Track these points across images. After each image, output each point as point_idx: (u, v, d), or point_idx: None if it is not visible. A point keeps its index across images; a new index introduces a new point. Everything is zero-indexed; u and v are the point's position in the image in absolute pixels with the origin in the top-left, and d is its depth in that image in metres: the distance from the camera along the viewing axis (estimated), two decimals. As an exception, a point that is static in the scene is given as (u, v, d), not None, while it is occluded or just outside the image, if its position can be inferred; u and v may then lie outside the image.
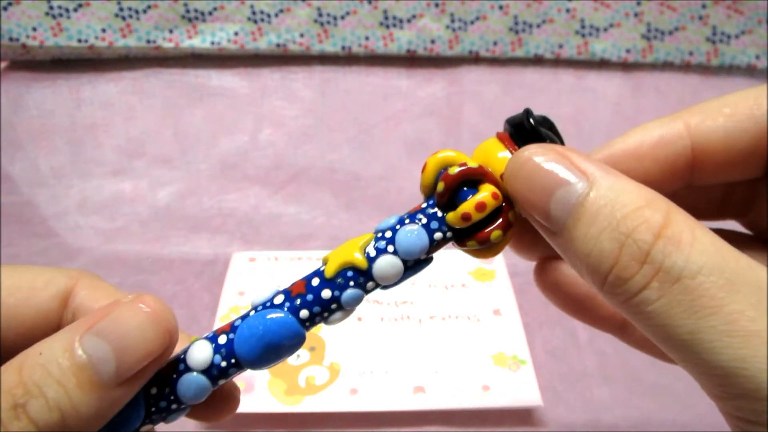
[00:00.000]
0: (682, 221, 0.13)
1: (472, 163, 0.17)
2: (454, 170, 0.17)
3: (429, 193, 0.18)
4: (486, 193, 0.17)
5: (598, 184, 0.14)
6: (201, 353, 0.17)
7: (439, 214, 0.17)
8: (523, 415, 0.33)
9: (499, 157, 0.17)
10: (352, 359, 0.34)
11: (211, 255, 0.43)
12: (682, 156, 0.17)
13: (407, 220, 0.17)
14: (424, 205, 0.18)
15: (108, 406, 0.15)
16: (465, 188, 0.17)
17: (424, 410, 0.32)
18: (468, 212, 0.17)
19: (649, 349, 0.20)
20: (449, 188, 0.17)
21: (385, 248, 0.17)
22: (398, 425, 0.32)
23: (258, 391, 0.32)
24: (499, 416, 0.33)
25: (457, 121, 0.52)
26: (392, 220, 0.18)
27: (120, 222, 0.45)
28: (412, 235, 0.17)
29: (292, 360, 0.34)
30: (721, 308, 0.12)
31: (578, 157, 0.15)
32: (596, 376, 0.35)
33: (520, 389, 0.32)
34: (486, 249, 0.17)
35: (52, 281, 0.18)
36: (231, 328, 0.17)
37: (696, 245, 0.13)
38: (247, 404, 0.31)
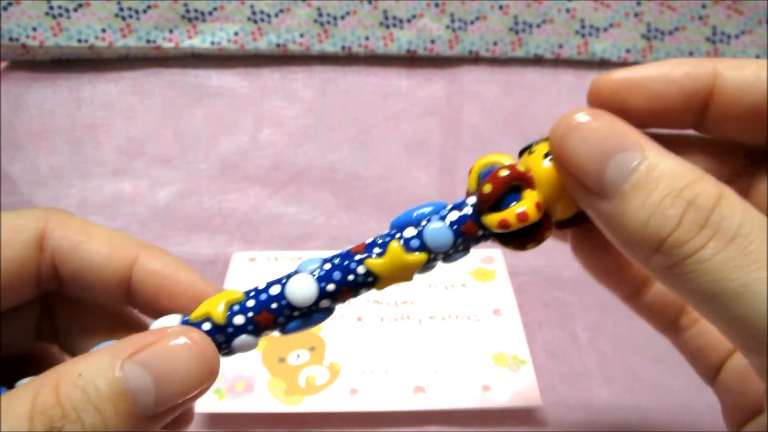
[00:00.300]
0: (731, 194, 0.14)
1: (520, 167, 0.17)
2: (503, 173, 0.16)
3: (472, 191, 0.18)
4: (529, 203, 0.16)
5: (653, 155, 0.15)
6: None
7: (470, 211, 0.17)
8: (523, 415, 0.33)
9: (543, 166, 0.17)
10: (352, 359, 0.34)
11: (211, 255, 0.43)
12: (702, 93, 0.17)
13: (428, 220, 0.17)
14: (462, 201, 0.18)
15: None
16: (508, 193, 0.17)
17: (424, 410, 0.32)
18: (507, 221, 0.16)
19: (655, 316, 0.20)
20: (497, 191, 0.17)
21: (410, 242, 0.17)
22: (398, 425, 0.32)
23: (258, 391, 0.32)
24: (499, 416, 0.33)
25: (457, 121, 0.52)
26: (423, 211, 0.18)
27: (120, 222, 0.45)
28: (439, 231, 0.17)
29: (292, 360, 0.34)
30: None
31: (631, 128, 0.15)
32: (596, 376, 0.35)
33: (520, 389, 0.32)
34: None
35: (20, 228, 0.18)
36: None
37: (745, 212, 0.14)
38: (247, 404, 0.31)
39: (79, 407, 0.14)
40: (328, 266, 0.18)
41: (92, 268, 0.18)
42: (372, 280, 0.18)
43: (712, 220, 0.14)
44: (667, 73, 0.17)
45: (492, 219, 0.17)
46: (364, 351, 0.34)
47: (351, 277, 0.18)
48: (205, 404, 0.31)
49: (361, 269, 0.18)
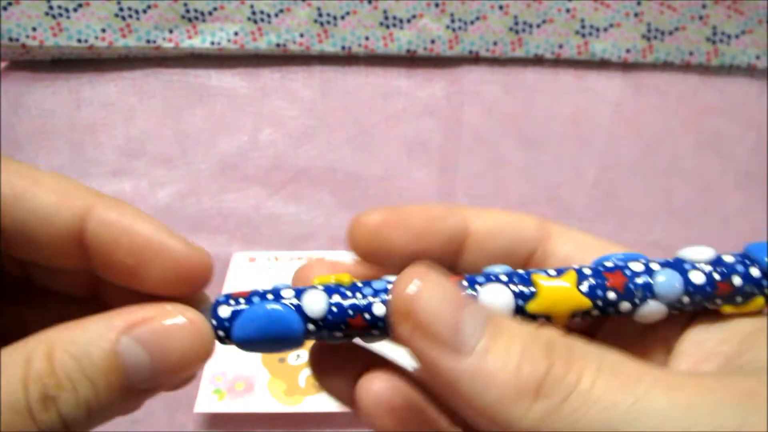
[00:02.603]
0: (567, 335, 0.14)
1: None
2: None
3: None
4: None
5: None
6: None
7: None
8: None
9: None
10: (352, 359, 0.34)
11: (211, 255, 0.43)
12: (458, 236, 0.18)
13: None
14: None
15: (131, 407, 0.15)
16: None
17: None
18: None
19: None
20: None
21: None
22: (398, 425, 0.32)
23: (258, 391, 0.32)
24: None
25: (457, 121, 0.52)
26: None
27: (120, 222, 0.45)
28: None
29: (292, 360, 0.34)
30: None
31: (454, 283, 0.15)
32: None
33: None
34: None
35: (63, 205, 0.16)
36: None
37: (595, 346, 0.14)
38: (247, 404, 0.31)
39: (74, 377, 0.14)
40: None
41: (38, 219, 0.16)
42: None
43: (576, 355, 0.13)
44: (426, 212, 0.18)
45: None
46: (364, 351, 0.34)
47: None
48: (205, 404, 0.31)
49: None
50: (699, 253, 0.16)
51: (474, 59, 0.54)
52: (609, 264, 0.16)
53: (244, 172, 0.49)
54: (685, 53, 0.53)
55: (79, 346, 0.14)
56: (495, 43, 0.53)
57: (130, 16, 0.50)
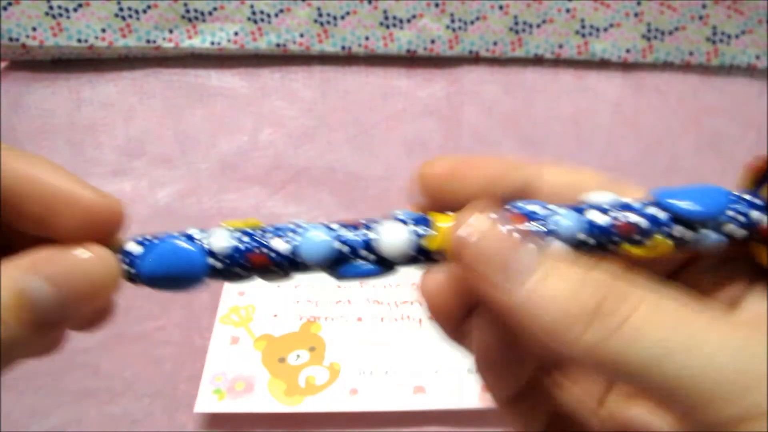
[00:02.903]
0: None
1: None
2: None
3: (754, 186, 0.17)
4: None
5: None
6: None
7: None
8: (523, 415, 0.33)
9: None
10: (352, 359, 0.34)
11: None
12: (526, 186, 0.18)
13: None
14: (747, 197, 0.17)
15: (45, 340, 0.16)
16: None
17: (424, 410, 0.32)
18: None
19: (526, 425, 0.20)
20: None
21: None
22: (398, 425, 0.32)
23: (258, 391, 0.32)
24: (499, 416, 0.33)
25: (457, 121, 0.52)
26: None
27: (120, 222, 0.45)
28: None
29: (292, 360, 0.34)
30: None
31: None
32: (596, 376, 0.35)
33: (520, 389, 0.32)
34: None
35: None
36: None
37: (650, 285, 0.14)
38: (247, 404, 0.31)
39: None
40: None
41: None
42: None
43: (633, 289, 0.14)
44: (497, 162, 0.18)
45: None
46: (364, 351, 0.34)
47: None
48: (205, 404, 0.31)
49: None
50: (601, 197, 0.17)
51: (474, 59, 0.54)
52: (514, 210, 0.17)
53: (244, 172, 0.49)
54: (685, 53, 0.53)
55: None
56: (495, 43, 0.53)
57: (130, 16, 0.50)
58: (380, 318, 0.36)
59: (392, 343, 0.35)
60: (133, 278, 0.17)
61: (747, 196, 0.17)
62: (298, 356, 0.34)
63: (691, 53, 0.53)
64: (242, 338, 0.35)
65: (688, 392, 0.13)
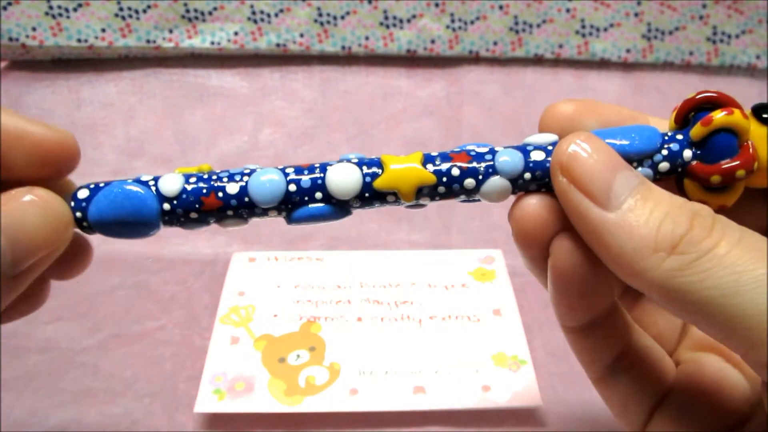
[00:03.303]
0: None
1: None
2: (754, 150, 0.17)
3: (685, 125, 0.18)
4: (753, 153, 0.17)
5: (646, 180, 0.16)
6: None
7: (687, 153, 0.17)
8: (523, 416, 0.33)
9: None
10: (352, 359, 0.34)
11: (211, 255, 0.43)
12: None
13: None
14: (680, 137, 0.18)
15: (6, 295, 0.16)
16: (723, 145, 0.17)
17: (424, 410, 0.32)
18: (733, 168, 0.17)
19: (596, 354, 0.20)
20: (725, 126, 0.17)
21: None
22: (398, 425, 0.32)
23: (258, 391, 0.32)
24: (499, 416, 0.33)
25: (457, 121, 0.52)
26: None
27: (120, 222, 0.45)
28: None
29: (292, 360, 0.34)
30: None
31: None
32: (596, 376, 0.35)
33: (520, 389, 0.32)
34: (719, 194, 0.18)
35: None
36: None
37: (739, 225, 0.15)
38: (246, 404, 0.31)
39: None
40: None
41: None
42: None
43: (717, 227, 0.15)
44: (618, 109, 0.19)
45: (709, 169, 0.17)
46: (364, 351, 0.34)
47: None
48: (205, 404, 0.31)
49: None
50: (543, 138, 0.18)
51: (474, 59, 0.54)
52: (456, 149, 0.18)
53: (244, 172, 0.49)
54: (685, 53, 0.53)
55: None
56: (495, 43, 0.53)
57: (130, 16, 0.50)
58: (380, 318, 0.36)
59: (392, 343, 0.35)
60: (84, 226, 0.17)
61: (679, 135, 0.18)
62: (298, 356, 0.34)
63: (691, 53, 0.53)
64: (242, 338, 0.35)
65: (750, 330, 0.13)
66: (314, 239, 0.45)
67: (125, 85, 0.51)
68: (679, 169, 0.18)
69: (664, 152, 0.17)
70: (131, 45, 0.50)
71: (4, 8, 0.49)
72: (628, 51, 0.53)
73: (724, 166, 0.17)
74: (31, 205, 0.15)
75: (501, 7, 0.52)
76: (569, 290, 0.18)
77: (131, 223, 0.17)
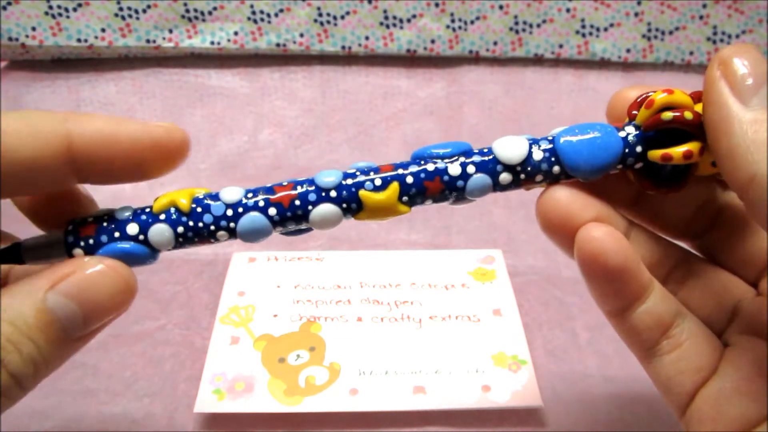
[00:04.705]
0: None
1: (698, 116, 0.18)
2: (689, 115, 0.18)
3: (636, 118, 0.19)
4: (695, 147, 0.18)
5: None
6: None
7: (638, 146, 0.19)
8: (523, 416, 0.33)
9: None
10: (352, 359, 0.34)
11: (211, 255, 0.43)
12: None
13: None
14: (631, 129, 0.19)
15: (71, 354, 0.17)
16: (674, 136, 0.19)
17: (424, 410, 0.32)
18: (671, 155, 0.18)
19: (638, 337, 0.21)
20: (670, 125, 0.18)
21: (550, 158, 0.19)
22: (398, 425, 0.32)
23: (257, 391, 0.32)
24: (499, 416, 0.33)
25: (457, 120, 0.52)
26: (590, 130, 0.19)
27: (120, 222, 0.45)
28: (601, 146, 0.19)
29: (292, 360, 0.34)
30: None
31: None
32: (596, 376, 0.35)
33: (520, 389, 0.32)
34: (664, 185, 0.19)
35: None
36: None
37: None
38: (246, 404, 0.31)
39: (14, 339, 0.15)
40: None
41: (30, 162, 0.16)
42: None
43: None
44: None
45: (656, 152, 0.19)
46: (364, 351, 0.34)
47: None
48: (205, 404, 0.31)
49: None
50: (511, 152, 0.19)
51: (474, 59, 0.54)
52: (430, 168, 0.19)
53: (244, 172, 0.49)
54: (685, 53, 0.53)
55: (11, 311, 0.15)
56: (495, 43, 0.53)
57: (130, 16, 0.50)
58: (380, 318, 0.36)
59: (392, 343, 0.35)
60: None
61: (632, 138, 0.19)
62: (298, 356, 0.34)
63: (691, 53, 0.53)
64: (242, 338, 0.35)
65: None
66: (314, 239, 0.45)
67: (125, 85, 0.51)
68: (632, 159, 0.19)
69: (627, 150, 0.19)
70: (131, 45, 0.50)
71: (4, 8, 0.49)
72: (628, 51, 0.53)
73: (665, 151, 0.18)
74: (103, 275, 0.17)
75: (501, 7, 0.52)
76: (597, 278, 0.19)
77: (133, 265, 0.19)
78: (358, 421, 0.32)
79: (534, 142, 0.20)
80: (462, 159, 0.19)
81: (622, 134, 0.19)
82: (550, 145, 0.19)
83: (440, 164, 0.19)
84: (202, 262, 0.42)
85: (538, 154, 0.19)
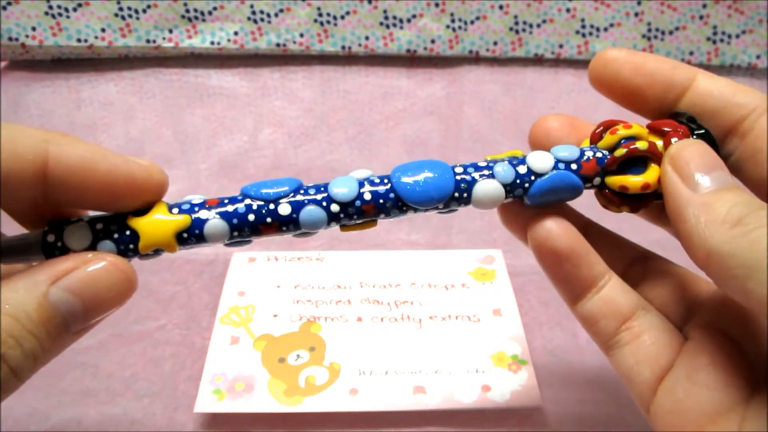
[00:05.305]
0: None
1: (653, 145, 0.20)
2: (644, 145, 0.20)
3: (600, 145, 0.21)
4: (653, 176, 0.20)
5: (728, 181, 0.19)
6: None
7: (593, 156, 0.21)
8: (523, 415, 0.33)
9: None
10: (352, 359, 0.34)
11: (211, 255, 0.43)
12: (678, 88, 0.22)
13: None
14: (597, 154, 0.21)
15: (68, 346, 0.17)
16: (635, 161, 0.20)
17: (424, 410, 0.32)
18: (627, 187, 0.20)
19: (595, 325, 0.22)
20: (626, 157, 0.20)
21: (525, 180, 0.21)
22: (398, 425, 0.32)
23: (258, 391, 0.32)
24: (499, 416, 0.33)
25: (457, 121, 0.52)
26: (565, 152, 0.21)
27: (120, 222, 0.45)
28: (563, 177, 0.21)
29: (292, 360, 0.34)
30: None
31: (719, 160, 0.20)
32: (596, 376, 0.35)
33: (520, 389, 0.32)
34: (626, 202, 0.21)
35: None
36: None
37: None
38: (246, 404, 0.31)
39: (15, 334, 0.15)
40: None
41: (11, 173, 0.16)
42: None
43: (763, 214, 0.17)
44: (662, 59, 0.22)
45: (614, 180, 0.21)
46: (364, 351, 0.34)
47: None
48: (205, 404, 0.31)
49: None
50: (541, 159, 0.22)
51: (474, 59, 0.54)
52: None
53: (244, 172, 0.49)
54: (685, 53, 0.53)
55: (13, 306, 0.15)
56: (495, 43, 0.53)
57: (130, 16, 0.50)
58: (380, 318, 0.36)
59: (392, 343, 0.35)
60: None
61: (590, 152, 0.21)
62: (298, 356, 0.34)
63: (691, 53, 0.53)
64: (242, 338, 0.35)
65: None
66: (314, 239, 0.45)
67: (125, 85, 0.51)
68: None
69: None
70: (131, 45, 0.50)
71: (4, 8, 0.49)
72: (628, 51, 0.53)
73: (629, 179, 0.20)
74: (104, 270, 0.17)
75: (501, 7, 0.52)
76: (547, 261, 0.21)
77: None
78: (358, 421, 0.32)
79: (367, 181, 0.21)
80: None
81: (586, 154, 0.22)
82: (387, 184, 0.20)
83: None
84: (203, 262, 0.42)
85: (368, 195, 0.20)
